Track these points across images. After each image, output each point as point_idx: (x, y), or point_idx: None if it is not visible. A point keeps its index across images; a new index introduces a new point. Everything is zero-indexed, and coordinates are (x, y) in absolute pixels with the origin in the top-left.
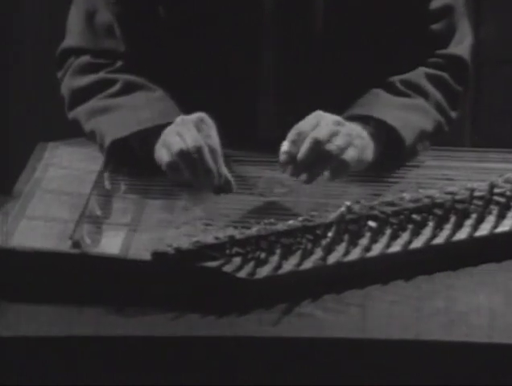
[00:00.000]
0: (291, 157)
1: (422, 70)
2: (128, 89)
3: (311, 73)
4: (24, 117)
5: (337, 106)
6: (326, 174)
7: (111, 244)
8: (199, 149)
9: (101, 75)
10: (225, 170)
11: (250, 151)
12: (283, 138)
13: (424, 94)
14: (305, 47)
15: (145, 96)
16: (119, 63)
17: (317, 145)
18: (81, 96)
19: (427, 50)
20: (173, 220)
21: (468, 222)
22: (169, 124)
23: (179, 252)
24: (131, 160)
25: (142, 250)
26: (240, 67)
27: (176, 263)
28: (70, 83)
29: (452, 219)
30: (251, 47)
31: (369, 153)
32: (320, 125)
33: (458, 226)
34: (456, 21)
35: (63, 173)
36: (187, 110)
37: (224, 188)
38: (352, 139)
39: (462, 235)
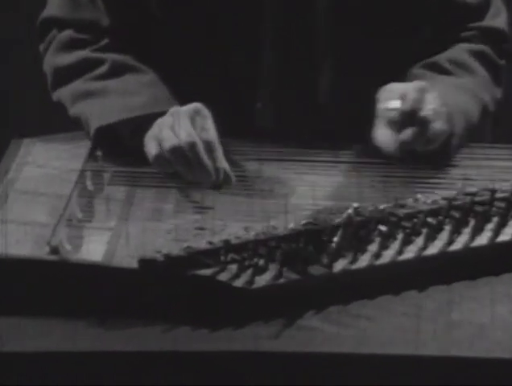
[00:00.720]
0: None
1: (462, 46)
2: (117, 71)
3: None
4: None
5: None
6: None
7: (94, 250)
8: (193, 146)
9: (87, 53)
10: (223, 164)
11: (248, 147)
12: (282, 135)
13: (471, 71)
14: (308, 40)
15: (135, 80)
16: (105, 41)
17: (422, 91)
18: (65, 75)
19: (461, 24)
20: (162, 224)
21: (489, 226)
22: (161, 112)
23: (168, 259)
24: (119, 149)
25: (127, 257)
26: (238, 52)
27: (166, 271)
28: (53, 60)
29: (472, 222)
30: (250, 35)
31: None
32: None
33: (478, 230)
34: None
35: (39, 172)
36: (177, 95)
37: (222, 183)
38: (439, 106)
39: (482, 240)
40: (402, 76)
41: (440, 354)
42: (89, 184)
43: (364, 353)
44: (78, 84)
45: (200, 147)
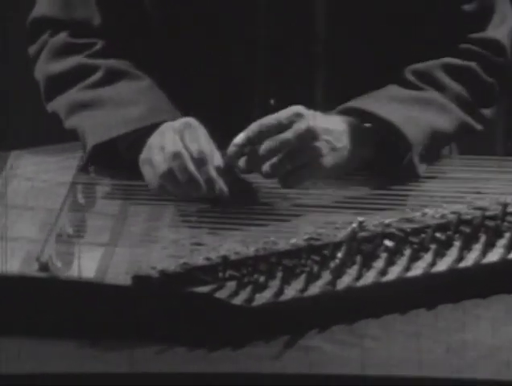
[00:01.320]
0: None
1: (442, 60)
2: (111, 78)
3: (313, 70)
4: None
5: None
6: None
7: (85, 266)
8: (177, 155)
9: (80, 59)
10: (216, 178)
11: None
12: None
13: (439, 87)
14: (305, 43)
15: (130, 88)
16: (99, 45)
17: (279, 126)
18: (59, 83)
19: (458, 35)
20: (157, 239)
21: (501, 242)
22: (159, 122)
23: (164, 276)
24: (115, 163)
25: (121, 273)
26: (235, 54)
27: (161, 288)
28: (46, 67)
29: (482, 238)
30: (247, 36)
31: (349, 158)
32: (302, 119)
33: (489, 246)
34: (494, 0)
35: (28, 185)
36: (173, 100)
37: (220, 199)
38: (334, 139)
39: (493, 257)
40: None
41: (450, 376)
42: (80, 197)
43: (369, 375)
44: (72, 94)
45: (186, 156)
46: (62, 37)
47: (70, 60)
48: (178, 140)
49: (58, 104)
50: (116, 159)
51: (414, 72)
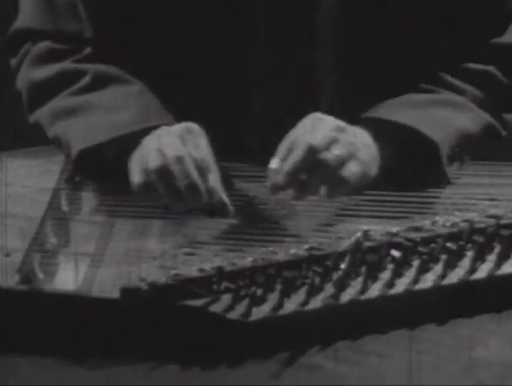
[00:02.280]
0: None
1: (460, 65)
2: (100, 83)
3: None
4: None
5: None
6: (322, 190)
7: (70, 278)
8: (180, 160)
9: (66, 64)
10: (217, 188)
11: (242, 163)
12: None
13: (456, 89)
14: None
15: (121, 92)
16: (86, 51)
17: (311, 152)
18: (43, 91)
19: (477, 41)
20: (147, 249)
21: None
22: (152, 126)
23: (154, 288)
24: (102, 173)
25: (108, 286)
26: (230, 63)
27: (151, 301)
28: (28, 74)
29: (497, 248)
30: (244, 36)
31: (374, 169)
32: (316, 130)
33: (504, 257)
34: None
35: (8, 191)
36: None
37: (218, 211)
38: (355, 150)
39: (508, 268)
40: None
41: None
42: (64, 204)
43: None
44: (57, 102)
45: (189, 163)
46: (46, 44)
47: (55, 66)
48: (179, 144)
49: (41, 114)
50: (104, 169)
51: (428, 79)
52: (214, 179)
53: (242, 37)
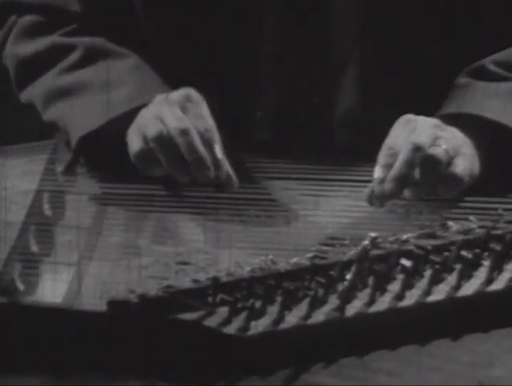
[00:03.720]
0: None
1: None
2: (92, 57)
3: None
4: None
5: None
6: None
7: (53, 290)
8: (184, 132)
9: (54, 38)
10: (222, 159)
11: (252, 154)
12: (283, 142)
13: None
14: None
15: (115, 66)
16: (75, 24)
17: (418, 151)
18: (32, 67)
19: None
20: (137, 257)
21: None
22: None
23: (144, 301)
24: (106, 154)
25: (94, 298)
26: (240, 50)
27: (141, 315)
28: (15, 49)
29: None
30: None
31: (478, 165)
32: (416, 129)
33: None
34: None
35: None
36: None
37: (223, 185)
38: (458, 145)
39: None
40: (443, 88)
41: None
42: (47, 208)
43: None
44: (48, 80)
45: (194, 134)
46: (32, 17)
47: (43, 40)
48: (180, 114)
49: (33, 93)
50: (108, 151)
51: (495, 63)
52: (219, 151)
53: (253, 23)
